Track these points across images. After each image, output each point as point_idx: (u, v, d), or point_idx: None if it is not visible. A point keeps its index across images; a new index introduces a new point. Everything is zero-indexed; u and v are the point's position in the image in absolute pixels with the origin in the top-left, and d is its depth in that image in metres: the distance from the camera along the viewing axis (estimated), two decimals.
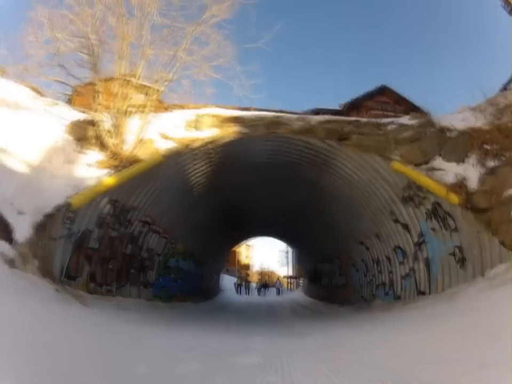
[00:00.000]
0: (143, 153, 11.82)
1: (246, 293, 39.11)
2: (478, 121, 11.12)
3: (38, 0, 12.60)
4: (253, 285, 44.43)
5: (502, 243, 8.45)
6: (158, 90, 13.10)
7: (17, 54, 12.20)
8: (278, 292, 42.75)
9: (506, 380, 2.63)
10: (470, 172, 9.99)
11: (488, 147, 10.01)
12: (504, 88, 14.29)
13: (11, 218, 8.06)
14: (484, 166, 9.82)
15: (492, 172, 9.51)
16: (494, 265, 8.56)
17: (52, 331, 4.72)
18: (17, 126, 10.33)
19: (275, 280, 55.10)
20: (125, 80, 12.39)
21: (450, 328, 4.88)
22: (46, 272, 8.34)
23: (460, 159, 10.49)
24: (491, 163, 9.75)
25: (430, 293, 10.80)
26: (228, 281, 38.89)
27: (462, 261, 9.70)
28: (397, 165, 11.37)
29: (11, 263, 7.22)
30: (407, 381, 3.33)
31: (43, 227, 8.71)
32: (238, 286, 39.35)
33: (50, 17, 12.10)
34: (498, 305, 5.56)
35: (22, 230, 8.04)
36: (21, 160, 9.43)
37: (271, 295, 39.92)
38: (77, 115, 12.62)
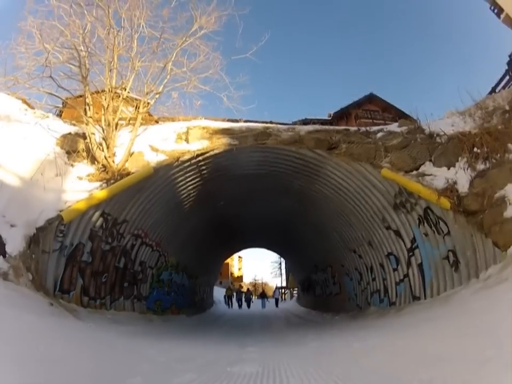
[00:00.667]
0: (134, 166, 11.81)
1: (238, 306, 36.46)
2: (467, 125, 11.22)
3: (28, 10, 12.59)
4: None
5: (495, 244, 8.52)
6: (148, 103, 13.11)
7: (7, 65, 12.14)
8: (276, 303, 39.88)
9: (506, 374, 2.65)
10: (461, 175, 10.05)
11: (478, 150, 10.08)
12: (493, 91, 14.39)
13: (3, 231, 8.01)
14: (474, 169, 9.88)
15: (482, 174, 9.57)
16: (488, 266, 8.62)
17: (46, 344, 4.68)
18: (8, 139, 10.32)
19: (273, 290, 52.78)
20: (115, 93, 12.41)
21: (447, 330, 4.90)
22: (39, 285, 8.28)
23: (450, 164, 10.57)
24: (481, 166, 9.82)
25: (425, 298, 10.83)
26: (220, 294, 38.70)
27: (456, 264, 9.75)
28: (386, 172, 11.42)
29: (4, 276, 7.18)
30: (408, 381, 3.34)
31: (36, 240, 8.65)
32: (228, 298, 37.50)
33: (40, 28, 12.10)
34: (493, 304, 5.60)
35: (15, 243, 7.98)
36: (12, 172, 9.40)
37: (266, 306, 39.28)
38: (67, 128, 12.62)
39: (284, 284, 61.91)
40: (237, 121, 15.02)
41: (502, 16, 16.17)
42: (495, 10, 17.00)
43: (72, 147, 11.72)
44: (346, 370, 4.32)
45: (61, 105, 14.58)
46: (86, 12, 12.44)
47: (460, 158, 10.46)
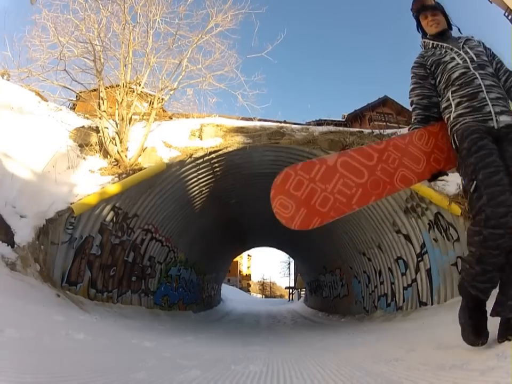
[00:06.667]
0: (146, 161, 11.86)
1: None
2: None
3: (43, 3, 12.69)
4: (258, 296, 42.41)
5: None
6: (162, 99, 13.15)
7: (21, 57, 12.25)
8: None
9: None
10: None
11: None
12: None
13: (13, 222, 8.06)
14: None
15: None
16: None
17: (51, 334, 4.70)
18: (21, 131, 10.37)
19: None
20: (129, 87, 12.45)
21: (451, 337, 4.86)
22: (46, 276, 8.33)
23: None
24: None
25: (432, 304, 10.76)
26: (228, 291, 38.71)
27: None
28: None
29: (12, 266, 7.22)
30: None
31: (45, 232, 8.70)
32: None
33: (55, 21, 12.18)
34: None
35: (24, 233, 8.02)
36: (24, 164, 9.46)
37: (271, 305, 39.19)
38: (80, 121, 12.69)
39: (292, 284, 61.90)
40: (251, 119, 15.04)
41: None
42: (509, 17, 16.86)
43: (84, 140, 11.78)
44: (351, 373, 4.28)
45: (74, 99, 14.65)
46: (101, 7, 12.52)
47: None
